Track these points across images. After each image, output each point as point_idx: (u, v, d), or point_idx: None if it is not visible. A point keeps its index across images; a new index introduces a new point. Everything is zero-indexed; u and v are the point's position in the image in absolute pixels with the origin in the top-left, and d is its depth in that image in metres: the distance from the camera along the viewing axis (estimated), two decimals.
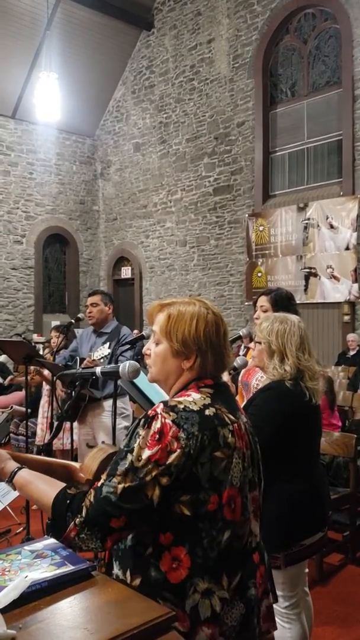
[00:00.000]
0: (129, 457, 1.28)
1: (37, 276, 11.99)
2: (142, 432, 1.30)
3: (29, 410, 4.74)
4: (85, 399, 4.02)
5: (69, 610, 1.20)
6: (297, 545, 2.12)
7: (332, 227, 8.60)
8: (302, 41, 9.26)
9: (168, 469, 1.25)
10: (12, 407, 6.14)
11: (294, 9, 9.14)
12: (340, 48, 8.65)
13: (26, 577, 1.24)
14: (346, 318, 8.55)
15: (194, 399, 1.36)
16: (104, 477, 1.31)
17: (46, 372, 4.64)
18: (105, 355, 3.85)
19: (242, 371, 2.93)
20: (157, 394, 2.06)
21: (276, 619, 2.14)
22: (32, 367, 4.48)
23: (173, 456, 1.26)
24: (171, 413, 1.30)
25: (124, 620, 1.14)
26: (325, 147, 8.98)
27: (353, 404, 6.08)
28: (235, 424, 1.38)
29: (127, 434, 1.36)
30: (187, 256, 10.86)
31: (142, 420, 1.32)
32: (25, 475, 1.45)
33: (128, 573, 1.35)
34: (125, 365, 2.11)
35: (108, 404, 3.97)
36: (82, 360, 4.04)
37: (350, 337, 8.24)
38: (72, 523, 1.28)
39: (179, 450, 1.26)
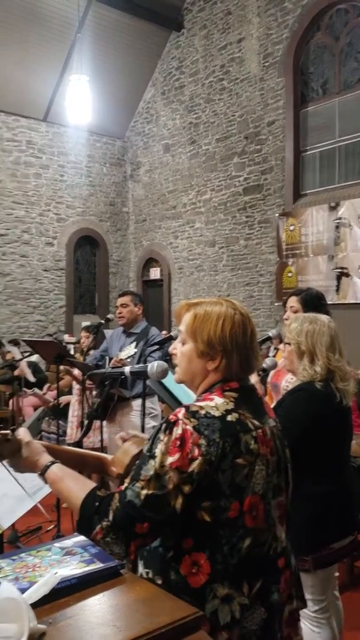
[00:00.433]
0: (152, 462, 1.27)
1: (68, 277, 12.13)
2: (163, 437, 1.29)
3: (59, 404, 4.81)
4: (114, 399, 4.06)
5: (97, 607, 1.21)
6: (326, 549, 2.10)
7: None
8: (334, 38, 9.14)
9: (190, 477, 1.25)
10: (34, 390, 6.20)
11: (325, 5, 9.02)
12: None
13: (56, 573, 1.25)
14: None
15: (216, 404, 1.34)
16: (127, 480, 1.31)
17: (76, 371, 4.69)
18: (132, 355, 3.88)
19: (272, 372, 2.91)
20: (185, 394, 2.07)
21: (306, 623, 2.13)
22: (62, 367, 4.53)
23: (194, 464, 1.25)
24: (192, 419, 1.29)
25: (152, 618, 1.14)
26: (357, 145, 8.85)
27: None
28: (260, 430, 1.36)
29: (149, 437, 1.36)
30: (216, 257, 10.84)
31: (164, 425, 1.31)
32: (57, 471, 1.45)
33: (151, 573, 1.36)
34: (153, 365, 2.12)
35: (137, 403, 3.99)
36: (111, 360, 4.08)
37: None
38: (99, 526, 1.29)
39: (200, 458, 1.25)
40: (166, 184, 11.95)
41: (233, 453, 1.28)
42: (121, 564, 1.35)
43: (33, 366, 7.51)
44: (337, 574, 2.33)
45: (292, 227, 9.38)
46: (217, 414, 1.31)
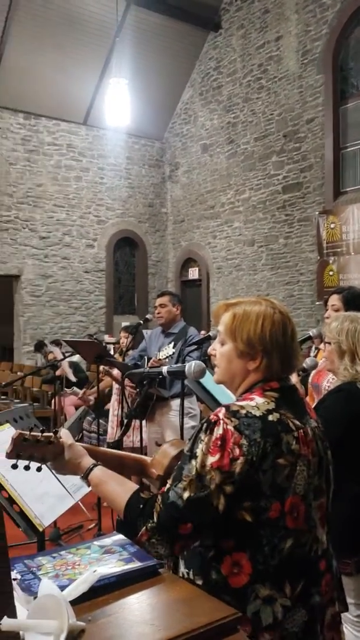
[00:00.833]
0: (193, 462, 1.27)
1: (108, 279, 12.27)
2: (204, 437, 1.29)
3: (100, 404, 4.86)
4: (153, 398, 4.08)
5: (136, 606, 1.21)
6: None
7: None
8: None
9: (231, 477, 1.24)
10: (72, 389, 6.24)
11: None
12: None
13: (95, 571, 1.26)
14: None
15: (257, 403, 1.33)
16: (170, 481, 1.31)
17: (116, 371, 4.74)
18: (170, 355, 3.89)
19: (313, 372, 2.87)
20: (224, 394, 2.06)
21: (348, 627, 2.09)
22: (101, 367, 4.58)
23: (236, 464, 1.24)
24: (233, 419, 1.28)
25: (191, 618, 1.14)
26: None
27: None
28: (301, 430, 1.34)
29: (190, 437, 1.36)
30: (255, 256, 10.76)
31: (205, 425, 1.31)
32: (100, 474, 1.45)
33: (192, 573, 1.35)
34: (191, 365, 2.12)
35: (176, 403, 4.00)
36: (150, 360, 4.10)
37: None
38: (144, 528, 1.29)
39: (241, 458, 1.24)
40: (204, 184, 11.94)
41: (274, 453, 1.27)
42: (160, 563, 1.35)
43: (74, 366, 7.62)
44: None
45: (332, 225, 9.23)
46: (258, 413, 1.30)
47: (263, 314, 1.41)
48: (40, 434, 1.43)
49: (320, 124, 9.44)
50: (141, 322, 4.74)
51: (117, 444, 2.27)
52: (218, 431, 1.27)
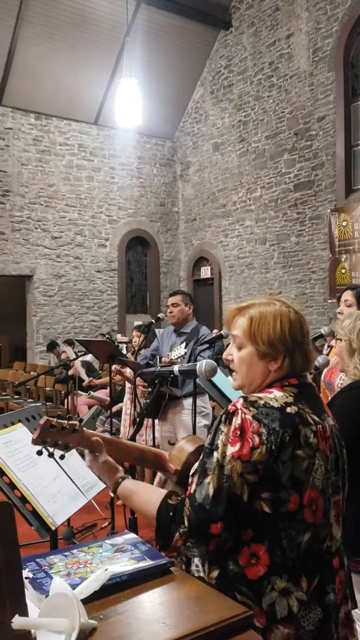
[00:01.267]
0: (215, 454, 1.28)
1: (121, 278, 12.29)
2: (224, 428, 1.29)
3: (112, 404, 4.87)
4: (165, 397, 4.08)
5: (148, 604, 1.22)
6: None
7: None
8: None
9: (254, 466, 1.25)
10: (89, 394, 6.28)
11: None
12: None
13: (106, 569, 1.27)
14: None
15: (275, 396, 1.33)
16: (195, 479, 1.31)
17: (128, 371, 4.75)
18: (182, 355, 3.89)
19: (325, 370, 2.86)
20: (236, 392, 2.06)
21: (358, 626, 2.08)
22: (113, 366, 4.59)
23: (256, 452, 1.25)
24: (251, 408, 1.29)
25: (202, 616, 1.14)
26: None
27: None
28: (320, 426, 1.34)
29: (209, 431, 1.36)
30: (267, 254, 10.73)
31: (224, 416, 1.32)
32: (129, 486, 1.48)
33: (207, 565, 1.35)
34: (202, 364, 2.12)
35: (188, 402, 4.00)
36: (161, 359, 4.11)
37: None
38: (177, 533, 1.29)
39: (261, 446, 1.25)
40: (216, 183, 11.92)
41: (293, 444, 1.27)
42: (170, 561, 1.35)
43: (87, 365, 7.65)
44: None
45: (344, 223, 9.18)
46: (276, 404, 1.30)
47: (280, 314, 1.41)
48: (66, 421, 1.45)
49: (332, 122, 9.38)
50: (153, 321, 4.74)
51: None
52: (237, 421, 1.28)
